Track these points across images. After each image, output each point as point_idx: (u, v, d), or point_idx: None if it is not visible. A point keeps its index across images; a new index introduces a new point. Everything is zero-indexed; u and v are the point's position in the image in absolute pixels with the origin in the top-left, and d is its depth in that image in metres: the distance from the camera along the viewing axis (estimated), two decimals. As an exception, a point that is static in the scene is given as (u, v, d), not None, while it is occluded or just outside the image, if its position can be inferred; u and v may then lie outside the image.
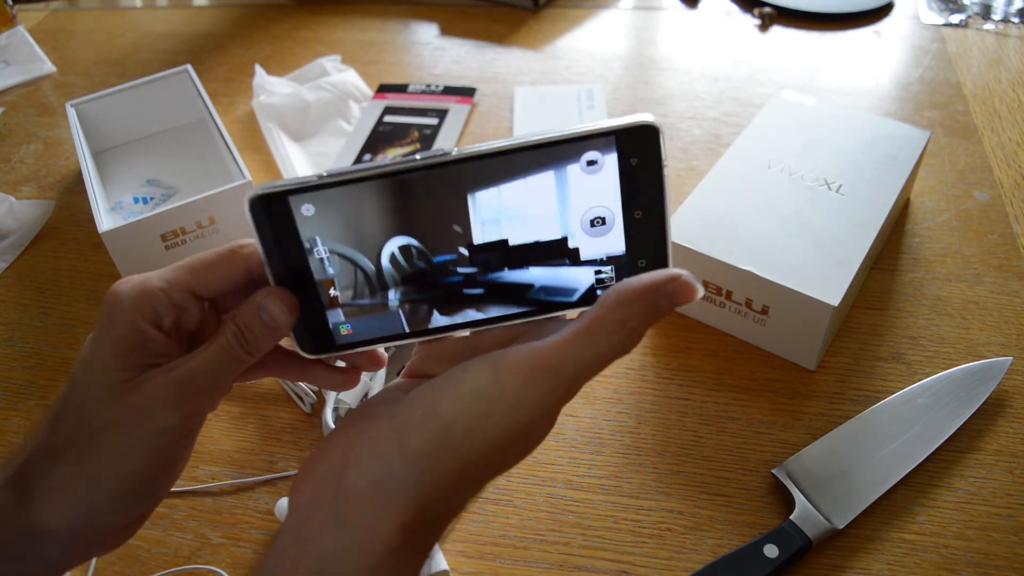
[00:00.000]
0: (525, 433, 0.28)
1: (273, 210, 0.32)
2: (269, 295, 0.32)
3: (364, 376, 0.52)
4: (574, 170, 0.32)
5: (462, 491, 0.29)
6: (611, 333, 0.28)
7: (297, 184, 0.32)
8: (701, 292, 0.29)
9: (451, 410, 0.27)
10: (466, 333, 0.34)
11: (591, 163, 0.32)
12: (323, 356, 0.34)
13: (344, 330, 0.34)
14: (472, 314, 0.33)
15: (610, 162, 0.32)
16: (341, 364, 0.36)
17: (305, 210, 0.32)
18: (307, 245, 0.32)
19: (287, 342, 0.34)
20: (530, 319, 0.33)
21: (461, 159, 0.31)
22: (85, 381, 0.31)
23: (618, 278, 0.33)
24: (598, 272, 0.33)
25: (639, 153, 0.31)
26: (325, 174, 0.31)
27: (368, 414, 0.30)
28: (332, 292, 0.33)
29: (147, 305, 0.31)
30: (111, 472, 0.30)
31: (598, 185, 0.32)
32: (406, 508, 0.27)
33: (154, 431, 0.30)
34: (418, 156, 0.31)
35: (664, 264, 0.33)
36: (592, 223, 0.32)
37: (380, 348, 0.35)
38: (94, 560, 0.47)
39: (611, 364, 0.29)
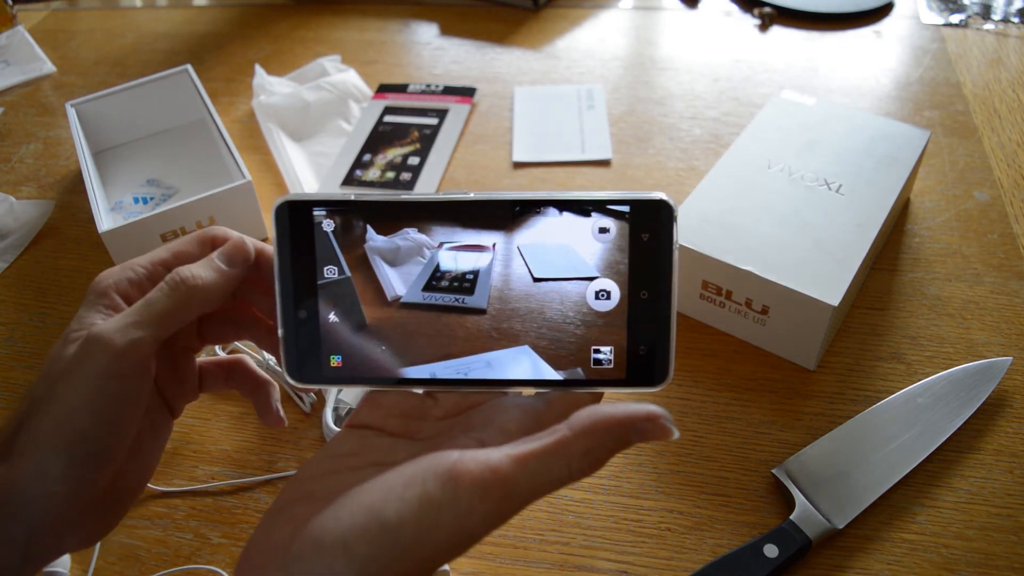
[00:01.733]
0: (471, 539, 0.27)
1: (296, 220, 0.32)
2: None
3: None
4: (585, 235, 0.32)
5: None
6: (572, 460, 0.27)
7: (325, 198, 0.32)
8: (676, 435, 0.28)
9: (398, 515, 0.26)
10: (471, 389, 0.33)
11: (603, 230, 0.32)
12: (308, 387, 0.33)
13: (334, 361, 0.33)
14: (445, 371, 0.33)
15: (621, 233, 0.32)
16: None
17: (327, 225, 0.33)
18: (320, 263, 0.33)
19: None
20: (493, 390, 0.33)
21: (481, 202, 0.32)
22: (59, 342, 0.32)
23: (616, 362, 0.32)
24: (596, 351, 0.32)
25: (651, 230, 0.31)
26: (354, 197, 0.32)
27: (313, 493, 0.29)
28: (332, 318, 0.33)
29: (122, 277, 0.34)
30: (54, 426, 0.30)
31: (607, 256, 0.32)
32: None
33: (89, 374, 0.31)
34: (440, 194, 0.32)
35: (665, 358, 0.32)
36: (597, 295, 0.32)
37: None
38: (95, 559, 0.47)
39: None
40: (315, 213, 0.33)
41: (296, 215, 0.32)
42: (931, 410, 0.50)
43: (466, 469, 0.27)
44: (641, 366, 0.32)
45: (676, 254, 0.31)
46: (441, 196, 0.32)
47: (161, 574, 0.47)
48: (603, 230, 0.32)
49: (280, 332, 0.33)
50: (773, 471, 0.48)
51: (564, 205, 0.32)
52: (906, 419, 0.50)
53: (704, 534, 0.47)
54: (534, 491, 0.27)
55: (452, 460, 0.27)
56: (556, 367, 0.32)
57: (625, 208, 0.31)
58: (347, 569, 0.26)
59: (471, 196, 0.32)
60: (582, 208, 0.32)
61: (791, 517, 0.45)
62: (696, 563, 0.45)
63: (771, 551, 0.44)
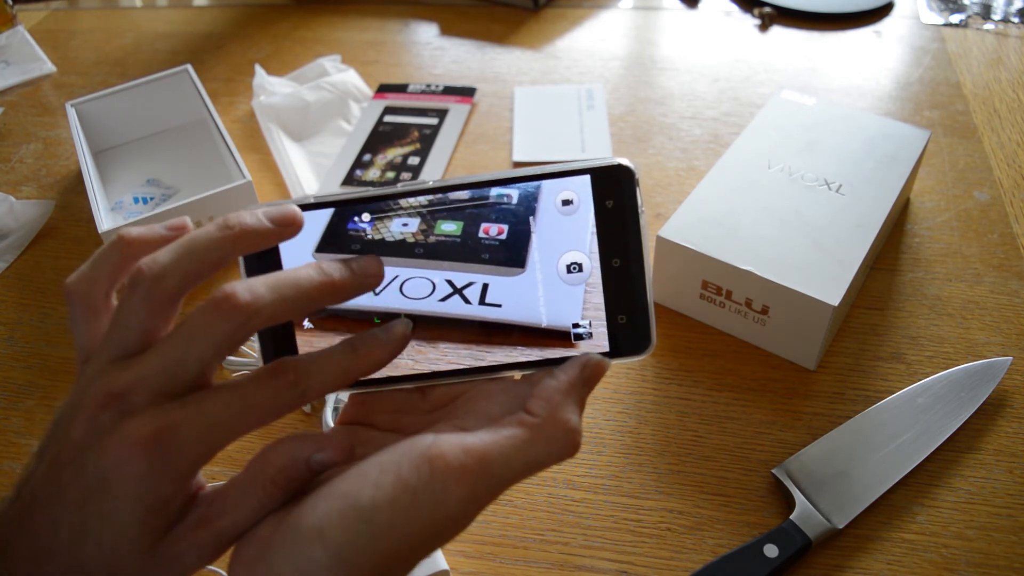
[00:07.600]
0: (451, 524, 0.27)
1: None
2: (317, 448, 0.29)
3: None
4: (550, 210, 0.31)
5: None
6: (551, 440, 0.28)
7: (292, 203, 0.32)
8: (607, 366, 0.31)
9: (372, 501, 0.26)
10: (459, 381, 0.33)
11: (567, 203, 0.31)
12: None
13: None
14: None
15: (585, 203, 0.31)
16: None
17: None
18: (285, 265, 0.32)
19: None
20: (480, 378, 0.32)
21: (439, 188, 0.31)
22: (103, 542, 0.27)
23: (597, 335, 0.32)
24: (576, 326, 0.32)
25: (615, 196, 0.31)
26: (313, 199, 0.32)
27: (303, 488, 0.29)
28: (306, 324, 0.33)
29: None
30: None
31: (574, 227, 0.31)
32: None
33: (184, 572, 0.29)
34: (398, 186, 0.32)
35: (646, 324, 0.31)
36: (569, 269, 0.32)
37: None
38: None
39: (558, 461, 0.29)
40: None
41: None
42: (931, 410, 0.50)
43: (440, 452, 0.27)
44: (623, 335, 0.32)
45: (643, 218, 0.31)
46: (400, 188, 0.32)
47: (161, 574, 0.47)
48: (567, 202, 0.31)
49: (257, 345, 0.32)
50: (773, 471, 0.48)
51: (523, 182, 0.31)
52: (906, 419, 0.50)
53: (704, 534, 0.47)
54: (513, 473, 0.28)
55: (426, 444, 0.27)
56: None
57: (586, 177, 0.31)
58: (324, 555, 0.26)
59: (429, 184, 0.32)
60: (545, 185, 0.31)
61: (791, 517, 0.45)
62: (696, 563, 0.45)
63: (771, 551, 0.44)
